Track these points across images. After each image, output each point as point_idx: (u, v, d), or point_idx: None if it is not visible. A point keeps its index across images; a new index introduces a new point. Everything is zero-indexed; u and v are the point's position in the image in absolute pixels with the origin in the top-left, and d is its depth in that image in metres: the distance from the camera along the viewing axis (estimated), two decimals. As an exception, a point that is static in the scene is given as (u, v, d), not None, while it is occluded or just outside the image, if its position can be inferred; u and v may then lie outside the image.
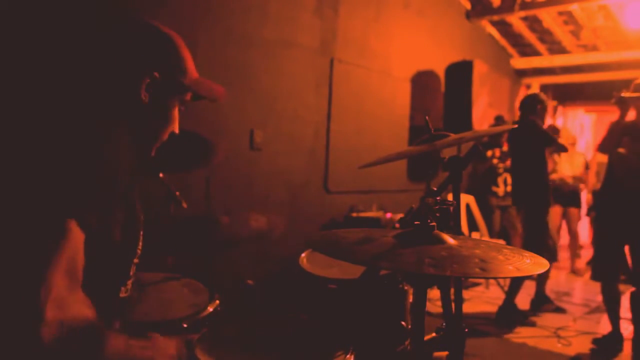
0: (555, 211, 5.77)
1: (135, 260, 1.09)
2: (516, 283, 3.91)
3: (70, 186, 0.89)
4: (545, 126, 4.06)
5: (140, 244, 1.10)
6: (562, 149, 4.04)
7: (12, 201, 0.89)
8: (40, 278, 0.80)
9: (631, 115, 3.28)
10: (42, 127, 1.00)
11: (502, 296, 4.38)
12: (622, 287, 3.39)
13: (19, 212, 0.87)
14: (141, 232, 1.10)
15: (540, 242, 3.83)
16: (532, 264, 0.97)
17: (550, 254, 4.00)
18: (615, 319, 3.37)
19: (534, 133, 3.82)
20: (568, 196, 5.70)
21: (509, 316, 3.89)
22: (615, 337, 3.38)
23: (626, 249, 3.31)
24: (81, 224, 0.87)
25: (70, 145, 0.94)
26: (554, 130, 4.03)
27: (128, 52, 1.08)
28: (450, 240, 1.02)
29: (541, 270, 0.95)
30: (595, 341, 3.41)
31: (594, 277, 3.47)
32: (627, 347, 3.33)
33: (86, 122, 1.02)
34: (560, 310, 4.20)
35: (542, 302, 4.17)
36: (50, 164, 0.91)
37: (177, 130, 1.17)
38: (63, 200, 0.88)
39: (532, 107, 3.88)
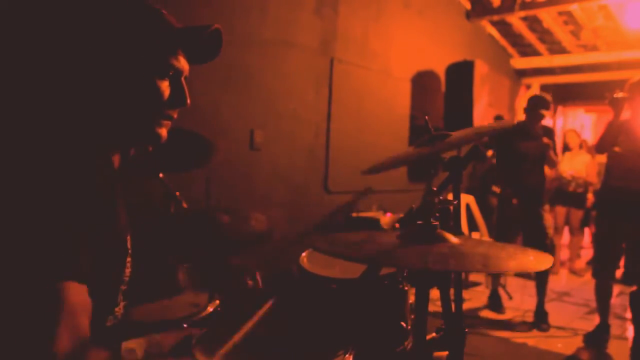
0: (558, 211, 5.78)
1: (123, 287, 1.00)
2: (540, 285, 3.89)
3: (57, 248, 0.78)
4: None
5: (128, 270, 1.01)
6: (552, 164, 4.08)
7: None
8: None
9: (626, 114, 3.31)
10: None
11: (503, 296, 4.37)
12: (622, 287, 3.40)
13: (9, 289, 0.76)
14: (128, 259, 1.01)
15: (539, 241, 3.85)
16: (535, 261, 0.98)
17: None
18: (604, 312, 3.46)
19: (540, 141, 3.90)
20: (571, 197, 5.72)
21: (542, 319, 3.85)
22: (602, 328, 3.46)
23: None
24: (79, 279, 0.79)
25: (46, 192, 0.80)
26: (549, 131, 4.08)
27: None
28: (452, 239, 1.02)
29: (544, 267, 0.95)
30: (586, 336, 3.49)
31: (595, 276, 3.50)
32: (616, 343, 3.36)
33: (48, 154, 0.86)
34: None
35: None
36: (27, 225, 0.77)
37: (188, 102, 1.03)
38: (53, 266, 0.77)
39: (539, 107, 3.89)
